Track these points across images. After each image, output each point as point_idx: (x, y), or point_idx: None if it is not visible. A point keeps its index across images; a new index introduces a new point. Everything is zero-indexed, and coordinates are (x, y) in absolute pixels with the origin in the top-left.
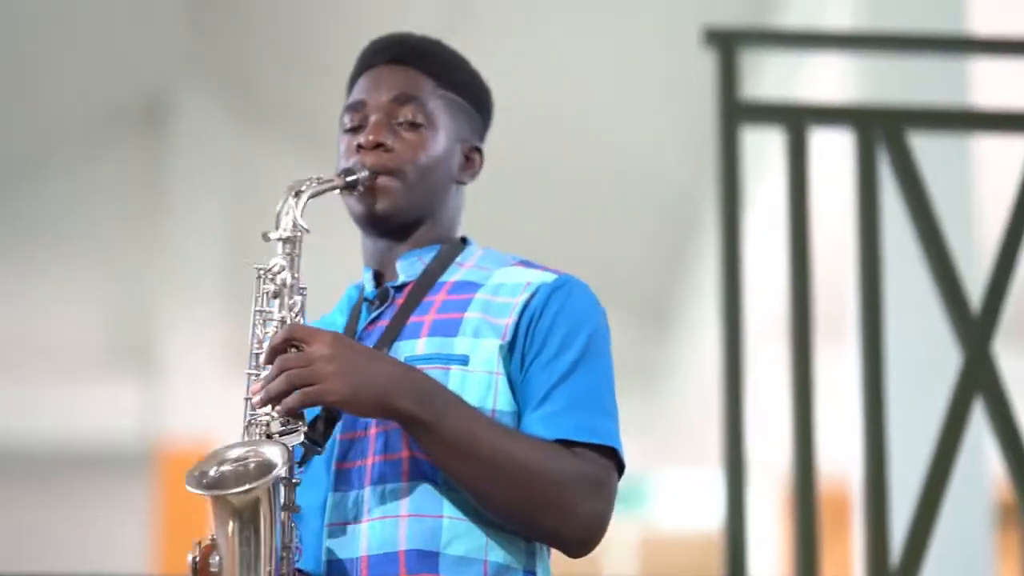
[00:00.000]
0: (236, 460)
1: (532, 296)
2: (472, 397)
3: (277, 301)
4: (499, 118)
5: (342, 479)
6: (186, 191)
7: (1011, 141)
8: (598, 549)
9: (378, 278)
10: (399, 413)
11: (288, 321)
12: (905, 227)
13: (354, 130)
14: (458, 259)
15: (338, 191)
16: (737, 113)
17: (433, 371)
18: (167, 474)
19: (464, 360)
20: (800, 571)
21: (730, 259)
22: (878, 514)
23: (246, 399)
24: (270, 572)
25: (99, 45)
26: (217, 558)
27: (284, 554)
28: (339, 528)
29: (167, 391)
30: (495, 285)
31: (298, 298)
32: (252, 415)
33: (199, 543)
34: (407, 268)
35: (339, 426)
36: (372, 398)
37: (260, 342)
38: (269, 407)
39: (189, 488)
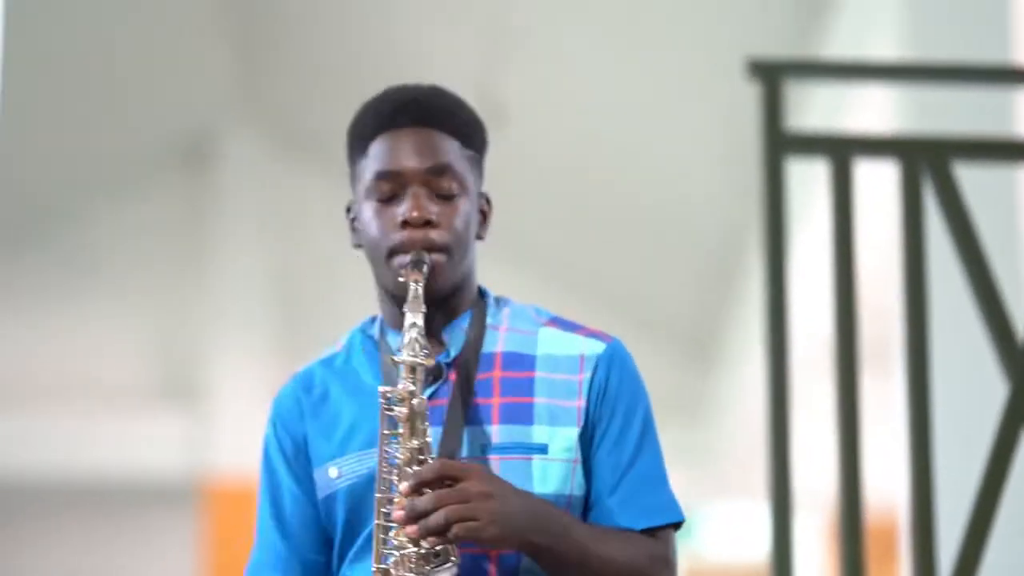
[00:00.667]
0: None
1: (593, 374)
2: (552, 485)
3: (406, 426)
4: (546, 151)
5: None
6: (231, 228)
7: None
8: None
9: None
10: (532, 547)
11: (423, 448)
12: (950, 258)
13: (389, 200)
14: (490, 321)
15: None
16: (782, 144)
17: (515, 462)
18: (213, 509)
19: (544, 449)
20: None
21: (775, 290)
22: (926, 545)
23: (383, 524)
24: None
25: (145, 86)
26: None
27: None
28: None
29: (214, 427)
30: (548, 359)
31: (427, 425)
32: (388, 539)
33: None
34: (455, 340)
35: None
36: (516, 535)
37: (389, 466)
38: (402, 533)
39: None
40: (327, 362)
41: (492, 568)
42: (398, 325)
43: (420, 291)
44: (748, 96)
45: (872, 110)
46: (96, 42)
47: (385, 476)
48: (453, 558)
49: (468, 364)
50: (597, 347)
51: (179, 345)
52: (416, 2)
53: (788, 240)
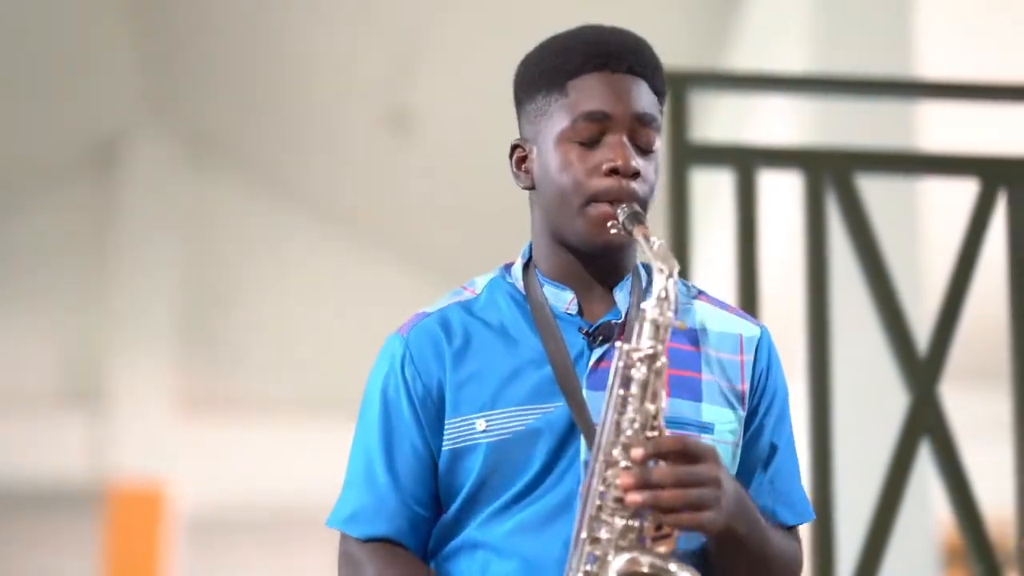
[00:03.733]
0: (651, 567)
1: (755, 358)
2: None
3: (641, 389)
4: (450, 159)
5: None
6: (138, 234)
7: (957, 184)
8: None
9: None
10: (732, 534)
11: (658, 414)
12: (853, 269)
13: (590, 143)
14: (645, 286)
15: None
16: (687, 154)
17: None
18: (116, 514)
19: (711, 428)
20: None
21: None
22: (825, 553)
23: (598, 489)
24: None
25: (53, 90)
26: None
27: None
28: None
29: (116, 432)
30: (710, 334)
31: (664, 393)
32: (607, 508)
33: None
34: (623, 302)
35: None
36: (729, 525)
37: (619, 428)
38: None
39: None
40: (465, 306)
41: None
42: (563, 277)
43: (663, 244)
44: None
45: (777, 122)
46: (2, 44)
47: (612, 439)
48: (675, 533)
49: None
50: (754, 330)
51: (82, 349)
52: (327, 8)
53: (692, 250)
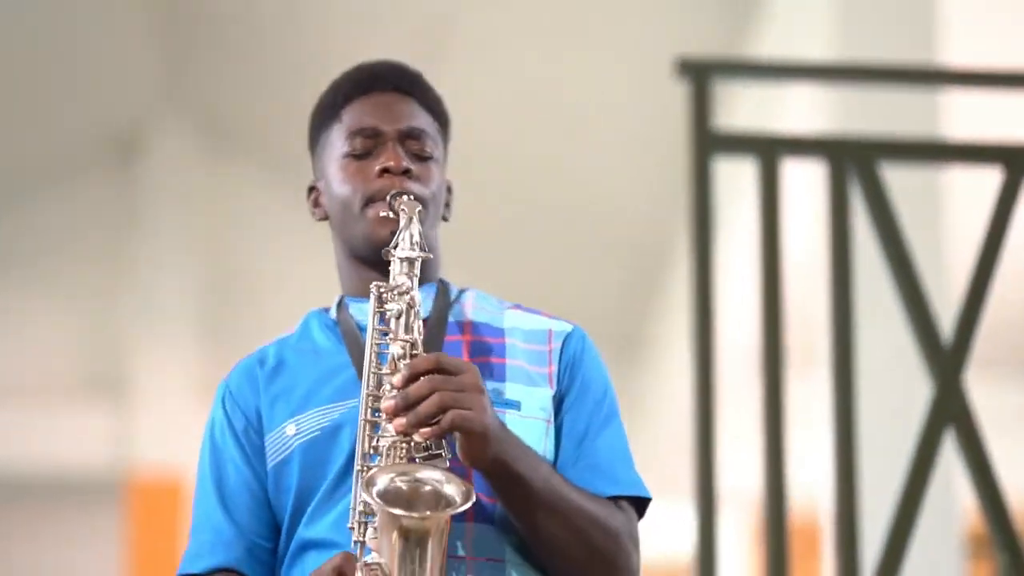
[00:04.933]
0: (415, 480)
1: (564, 344)
2: (528, 442)
3: (400, 321)
4: (471, 150)
5: None
6: (158, 223)
7: (981, 172)
8: None
9: None
10: (505, 466)
11: (416, 344)
12: (876, 258)
13: (363, 156)
14: (454, 298)
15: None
16: (709, 143)
17: None
18: (138, 504)
19: (517, 405)
20: None
21: (702, 289)
22: (849, 544)
23: (368, 420)
24: None
25: (71, 80)
26: None
27: None
28: None
29: (138, 421)
30: (517, 331)
31: (421, 323)
32: (375, 434)
33: (364, 563)
34: (426, 305)
35: None
36: (497, 443)
37: (379, 363)
38: (392, 427)
39: (366, 497)
40: (280, 342)
41: (469, 513)
42: (364, 293)
43: (411, 200)
44: (676, 95)
45: (800, 110)
46: (23, 35)
47: (374, 372)
48: (444, 452)
49: (436, 327)
50: (565, 326)
51: (105, 339)
52: None
53: (715, 239)
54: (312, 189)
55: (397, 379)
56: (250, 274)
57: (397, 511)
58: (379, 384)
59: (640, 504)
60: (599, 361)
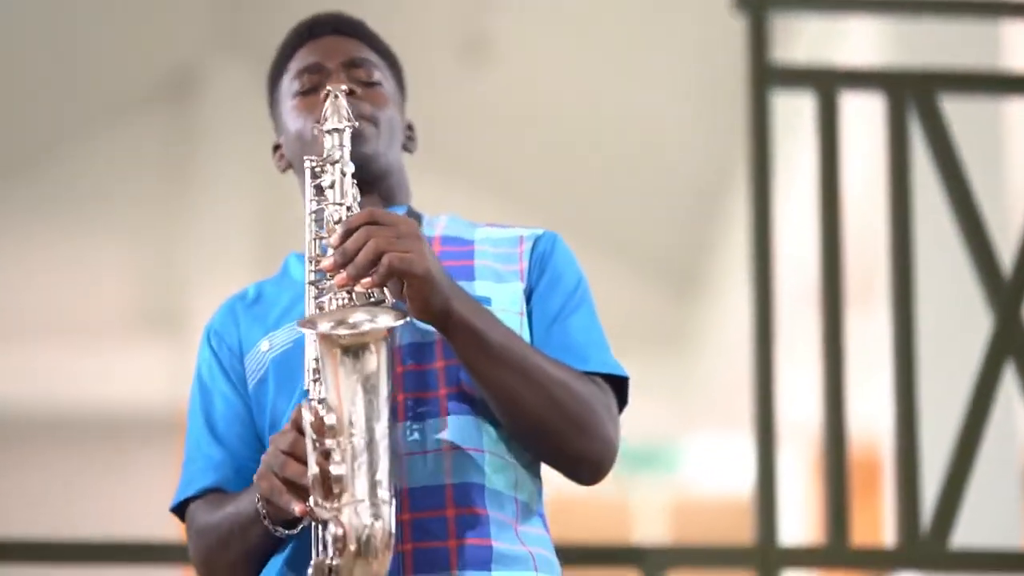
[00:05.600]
0: (349, 322)
1: (534, 244)
2: None
3: (333, 191)
4: (528, 87)
5: None
6: (216, 158)
7: None
8: (628, 514)
9: None
10: (452, 315)
11: (352, 208)
12: (936, 191)
13: (309, 92)
14: (426, 220)
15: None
16: (768, 77)
17: None
18: None
19: (487, 302)
20: (831, 533)
21: (761, 223)
22: (909, 476)
23: (313, 282)
24: (385, 428)
25: (126, 18)
26: (332, 415)
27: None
28: None
29: (194, 360)
30: (487, 239)
31: (355, 190)
32: (321, 292)
33: (309, 401)
34: None
35: None
36: (442, 289)
37: (317, 234)
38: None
39: (299, 327)
40: (260, 282)
41: (443, 408)
42: None
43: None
44: (734, 30)
45: (859, 44)
46: None
47: (313, 238)
48: (386, 300)
49: None
50: (536, 231)
51: (162, 276)
52: None
53: (774, 173)
54: (276, 148)
55: (334, 238)
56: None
57: (330, 329)
58: (322, 252)
59: (618, 387)
60: (571, 257)
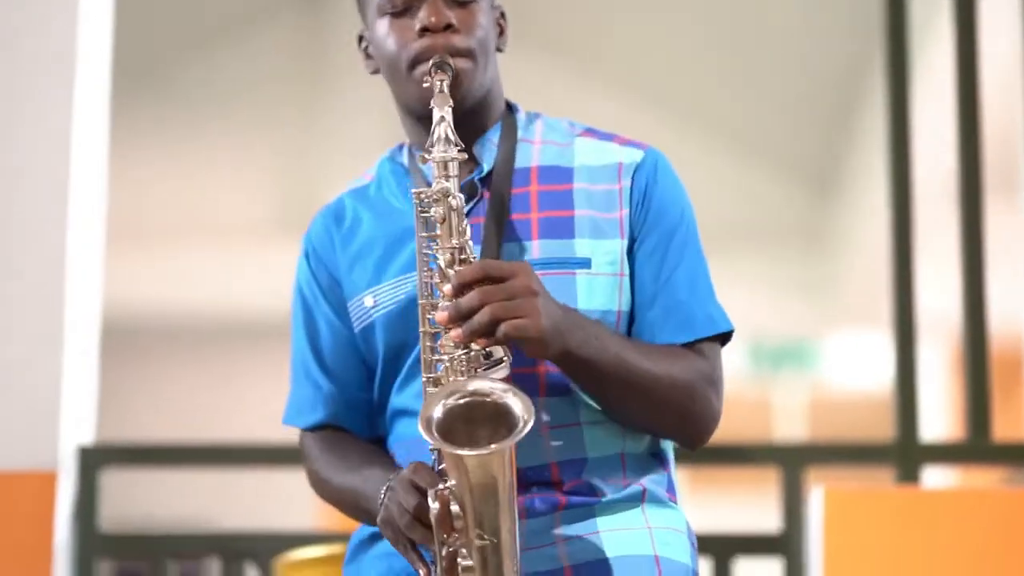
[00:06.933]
0: (472, 396)
1: (632, 182)
2: (598, 301)
3: (444, 227)
4: None
5: None
6: (351, 62)
7: None
8: (767, 412)
9: None
10: (571, 355)
11: (464, 248)
12: None
13: (401, 13)
14: (521, 134)
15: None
16: None
17: (557, 277)
18: None
19: (586, 263)
20: (971, 429)
21: (898, 120)
22: None
23: (428, 331)
24: (510, 530)
25: None
26: (456, 508)
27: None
28: None
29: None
30: (585, 169)
31: (467, 224)
32: (436, 346)
33: (436, 491)
34: (486, 155)
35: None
36: (558, 338)
37: (430, 270)
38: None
39: (426, 437)
40: (357, 192)
41: (541, 386)
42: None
43: (446, 87)
44: None
45: None
46: None
47: (426, 281)
48: (505, 357)
49: (502, 179)
50: (635, 155)
51: (297, 178)
52: None
53: (910, 65)
54: (361, 38)
55: (448, 287)
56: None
57: (459, 451)
58: (432, 292)
59: (722, 334)
60: (674, 188)
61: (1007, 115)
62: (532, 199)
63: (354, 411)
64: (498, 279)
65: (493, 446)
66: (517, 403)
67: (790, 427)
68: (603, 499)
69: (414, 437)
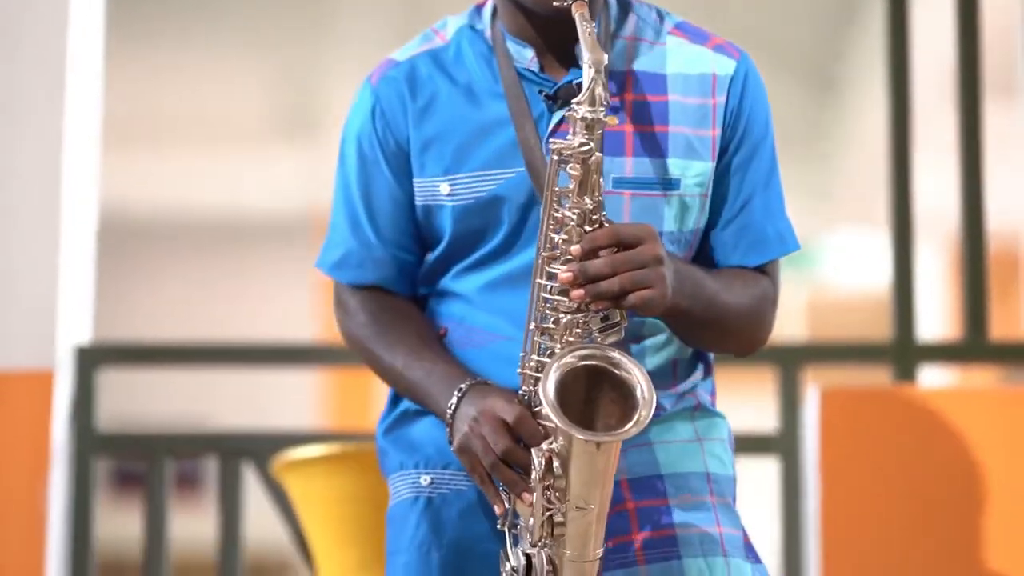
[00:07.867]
0: (595, 357)
1: (727, 99)
2: (682, 222)
3: (577, 184)
4: None
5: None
6: None
7: None
8: None
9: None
10: (676, 308)
11: (596, 208)
12: None
13: None
14: (614, 28)
15: None
16: None
17: (648, 199)
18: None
19: (676, 184)
20: (969, 328)
21: (897, 19)
22: None
23: (542, 283)
24: (604, 498)
25: None
26: (558, 466)
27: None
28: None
29: (330, 159)
30: (680, 78)
31: (601, 184)
32: (552, 301)
33: (542, 452)
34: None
35: None
36: (674, 297)
37: (558, 223)
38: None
39: (546, 409)
40: (434, 56)
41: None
42: (522, 34)
43: (594, 30)
44: None
45: None
46: None
47: (551, 234)
48: (622, 321)
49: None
50: (728, 65)
51: (295, 78)
52: None
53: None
54: None
55: (575, 248)
56: (449, 12)
57: (579, 435)
58: (555, 246)
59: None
60: (763, 106)
61: (1006, 14)
62: (628, 109)
63: (402, 275)
64: (628, 245)
65: (608, 436)
66: (644, 387)
67: (788, 327)
68: (661, 413)
69: (472, 323)
